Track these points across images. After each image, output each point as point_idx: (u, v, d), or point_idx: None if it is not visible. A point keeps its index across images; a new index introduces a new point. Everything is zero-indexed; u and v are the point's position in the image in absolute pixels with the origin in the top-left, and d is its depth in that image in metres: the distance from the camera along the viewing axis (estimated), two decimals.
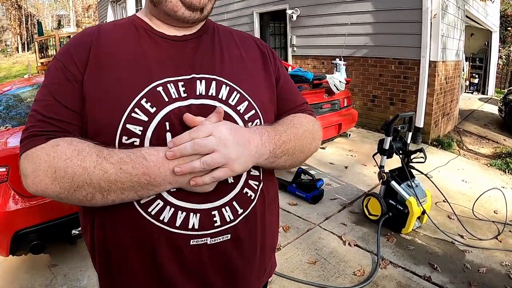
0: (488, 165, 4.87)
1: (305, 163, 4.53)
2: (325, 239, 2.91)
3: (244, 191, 0.77)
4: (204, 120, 0.68)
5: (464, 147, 5.56)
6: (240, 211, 0.76)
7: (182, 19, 0.76)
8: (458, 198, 3.75)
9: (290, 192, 3.66)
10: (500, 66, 13.02)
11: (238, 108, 0.77)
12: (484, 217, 3.39)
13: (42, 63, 11.13)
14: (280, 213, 3.88)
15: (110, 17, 13.51)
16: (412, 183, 2.96)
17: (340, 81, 4.25)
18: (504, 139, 6.33)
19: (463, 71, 10.01)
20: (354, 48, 5.87)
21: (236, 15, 8.07)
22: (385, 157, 3.01)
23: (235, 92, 0.78)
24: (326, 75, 4.38)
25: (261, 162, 0.74)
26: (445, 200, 3.31)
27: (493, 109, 8.23)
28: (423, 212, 2.91)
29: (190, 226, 0.71)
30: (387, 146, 2.97)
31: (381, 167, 3.04)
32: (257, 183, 0.80)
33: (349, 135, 4.80)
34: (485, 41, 10.82)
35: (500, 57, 12.68)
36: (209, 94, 0.75)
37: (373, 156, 3.14)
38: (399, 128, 3.00)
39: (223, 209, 0.74)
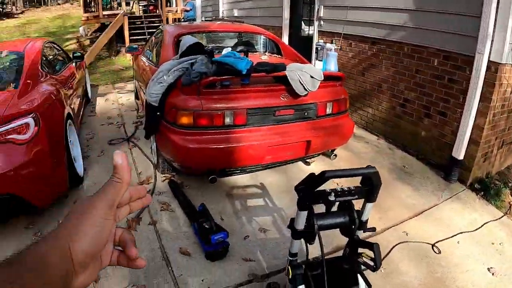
0: None
1: (259, 185, 3.24)
2: None
3: None
4: None
5: None
6: None
7: None
8: None
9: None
10: None
11: None
12: None
13: (87, 17, 10.92)
14: (152, 264, 2.40)
15: None
16: None
17: (312, 76, 2.72)
18: None
19: None
20: (388, 29, 4.15)
21: None
22: (297, 241, 1.66)
23: None
24: (288, 65, 2.87)
25: None
26: None
27: None
28: None
29: None
30: (300, 225, 1.60)
31: (291, 255, 1.71)
32: None
33: (335, 156, 3.25)
34: None
35: None
36: None
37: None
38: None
39: None
